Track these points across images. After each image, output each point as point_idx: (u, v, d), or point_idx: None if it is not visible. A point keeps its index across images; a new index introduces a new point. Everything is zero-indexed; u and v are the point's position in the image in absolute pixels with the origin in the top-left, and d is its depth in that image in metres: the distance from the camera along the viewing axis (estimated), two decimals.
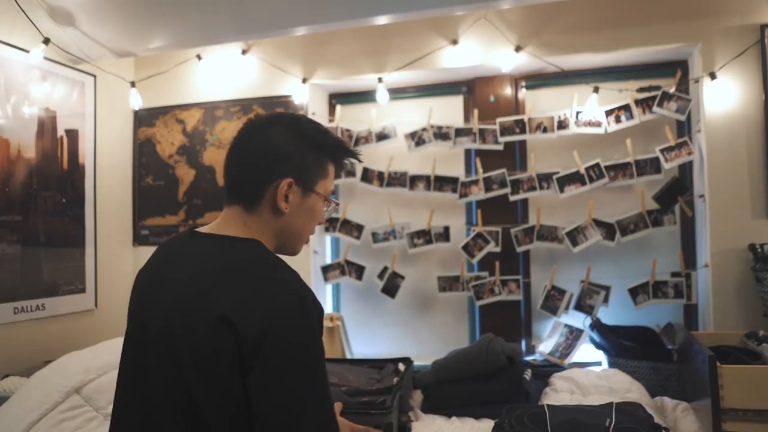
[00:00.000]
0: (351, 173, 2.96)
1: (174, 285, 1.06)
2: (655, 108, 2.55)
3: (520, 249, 2.71)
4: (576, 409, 1.59)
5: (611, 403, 1.60)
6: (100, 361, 2.15)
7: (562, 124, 2.69)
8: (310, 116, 2.93)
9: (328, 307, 3.12)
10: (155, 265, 1.19)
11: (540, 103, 2.84)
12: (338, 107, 3.07)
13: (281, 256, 1.11)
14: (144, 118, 3.27)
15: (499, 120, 2.76)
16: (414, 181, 2.86)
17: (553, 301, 2.65)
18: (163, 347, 1.01)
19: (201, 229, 1.14)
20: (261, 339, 0.92)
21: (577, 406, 1.69)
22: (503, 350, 1.95)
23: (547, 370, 2.45)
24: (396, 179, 2.88)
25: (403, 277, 2.85)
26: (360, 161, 1.25)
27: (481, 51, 2.73)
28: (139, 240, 3.26)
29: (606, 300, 2.60)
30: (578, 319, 2.61)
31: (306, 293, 0.99)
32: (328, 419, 0.97)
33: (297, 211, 1.12)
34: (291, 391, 0.93)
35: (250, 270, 1.02)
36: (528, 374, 2.03)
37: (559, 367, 2.49)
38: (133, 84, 3.12)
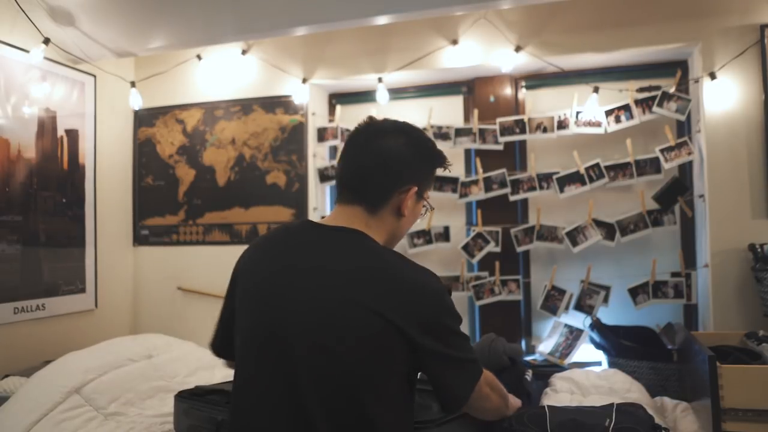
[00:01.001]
0: None
1: (322, 275, 1.13)
2: (655, 108, 2.55)
3: (520, 249, 2.71)
4: (576, 410, 1.59)
5: (612, 404, 1.60)
6: (100, 361, 2.15)
7: (562, 124, 2.69)
8: (310, 116, 2.97)
9: None
10: (279, 254, 1.21)
11: (540, 103, 2.84)
12: (338, 107, 3.07)
13: None
14: (144, 118, 3.27)
15: (499, 120, 2.76)
16: None
17: (553, 301, 2.65)
18: (314, 335, 1.09)
19: (325, 222, 1.23)
20: (424, 328, 1.11)
21: (578, 406, 1.69)
22: (505, 350, 1.95)
23: (547, 370, 2.45)
24: None
25: None
26: (449, 170, 1.36)
27: (481, 51, 2.73)
28: (139, 240, 3.26)
29: (606, 300, 2.60)
30: (578, 319, 2.61)
31: (441, 288, 1.18)
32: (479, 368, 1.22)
33: (411, 215, 1.25)
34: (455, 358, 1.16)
35: (398, 271, 1.14)
36: (529, 375, 2.03)
37: (559, 367, 2.48)
38: (133, 84, 3.12)
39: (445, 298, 1.17)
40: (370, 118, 1.30)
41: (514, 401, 1.52)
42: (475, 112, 2.82)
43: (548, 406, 1.55)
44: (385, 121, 1.30)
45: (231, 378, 1.63)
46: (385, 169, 1.19)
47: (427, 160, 1.26)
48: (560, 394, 2.05)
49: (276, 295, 1.15)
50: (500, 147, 2.77)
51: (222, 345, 1.31)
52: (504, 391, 1.39)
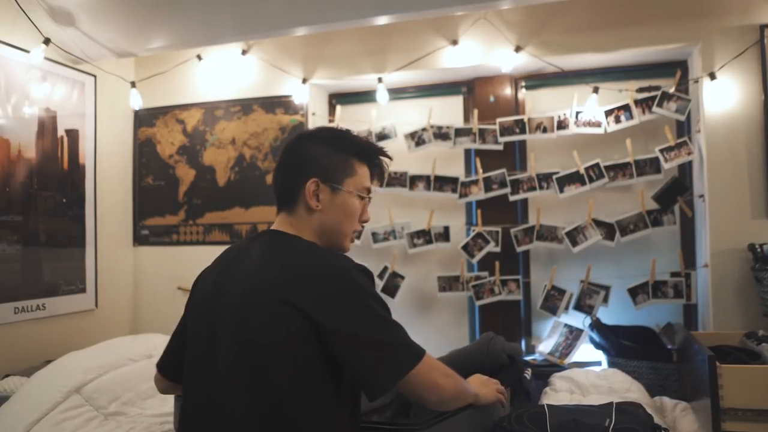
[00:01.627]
0: None
1: (240, 277, 1.20)
2: (654, 108, 2.55)
3: (520, 249, 2.72)
4: (576, 409, 1.59)
5: (611, 403, 1.60)
6: (100, 361, 2.15)
7: (562, 124, 2.69)
8: (310, 116, 2.97)
9: None
10: (217, 268, 1.36)
11: (540, 103, 2.84)
12: (338, 107, 3.07)
13: None
14: (144, 118, 3.28)
15: (498, 120, 2.77)
16: (414, 181, 2.86)
17: (552, 301, 2.65)
18: (232, 330, 1.13)
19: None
20: (326, 316, 1.08)
21: (577, 406, 1.69)
22: (504, 349, 1.95)
23: (546, 369, 2.45)
24: (396, 179, 2.88)
25: (403, 277, 2.85)
26: (389, 158, 1.38)
27: (481, 51, 2.74)
28: (139, 240, 3.26)
29: (606, 300, 2.60)
30: (578, 319, 2.62)
31: (348, 265, 1.14)
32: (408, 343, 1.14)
33: (329, 208, 1.24)
34: (368, 342, 1.10)
35: (303, 256, 1.17)
36: (528, 373, 2.03)
37: (559, 367, 2.49)
38: (133, 84, 3.13)
39: (352, 275, 1.12)
40: (298, 132, 1.38)
41: (496, 390, 1.44)
42: (475, 112, 2.82)
43: (548, 406, 1.55)
44: (305, 130, 1.38)
45: None
46: (288, 169, 1.27)
47: (333, 151, 1.27)
48: (560, 393, 2.06)
49: (209, 305, 1.23)
50: (500, 147, 2.78)
51: (168, 363, 1.41)
52: (461, 381, 1.28)
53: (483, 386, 1.40)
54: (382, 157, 1.36)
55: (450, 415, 1.31)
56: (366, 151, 1.33)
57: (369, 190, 1.32)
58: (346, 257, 1.18)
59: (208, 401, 1.14)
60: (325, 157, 1.26)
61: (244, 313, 1.12)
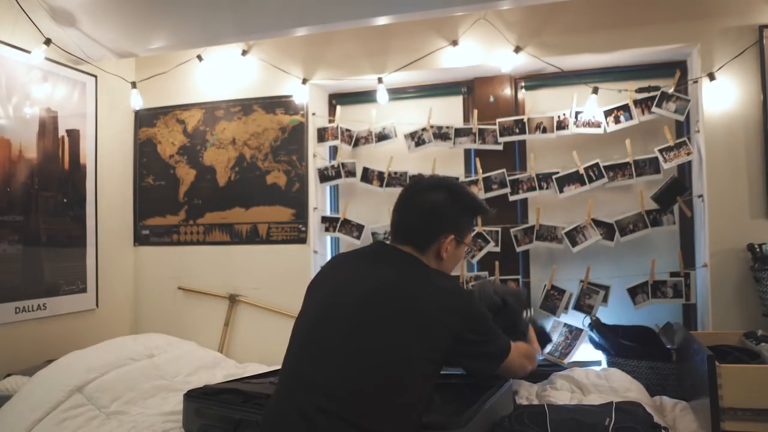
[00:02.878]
0: (351, 173, 2.97)
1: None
2: (654, 108, 2.56)
3: (519, 249, 2.72)
4: (576, 409, 1.59)
5: (611, 403, 1.61)
6: (101, 361, 2.16)
7: (562, 125, 2.70)
8: (310, 117, 2.98)
9: None
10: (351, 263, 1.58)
11: (539, 104, 2.84)
12: (338, 107, 3.08)
13: None
14: (145, 119, 3.28)
15: (498, 120, 2.77)
16: None
17: (552, 301, 2.65)
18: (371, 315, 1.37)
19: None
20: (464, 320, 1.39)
21: (578, 405, 1.70)
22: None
23: (546, 369, 2.45)
24: (396, 179, 2.89)
25: None
26: (487, 216, 1.71)
27: (481, 51, 2.74)
28: (139, 240, 3.27)
29: (605, 300, 2.61)
30: (578, 319, 2.62)
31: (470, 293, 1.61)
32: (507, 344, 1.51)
33: (451, 258, 1.51)
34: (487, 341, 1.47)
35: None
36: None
37: (559, 367, 2.49)
38: (134, 84, 3.13)
39: (474, 299, 1.47)
40: (418, 176, 1.66)
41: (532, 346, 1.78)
42: (475, 112, 2.82)
43: (548, 405, 1.56)
44: (430, 178, 1.64)
45: (235, 377, 1.70)
46: (427, 222, 1.48)
47: (465, 211, 1.53)
48: (560, 392, 2.06)
49: (331, 296, 1.44)
50: (500, 147, 2.78)
51: None
52: (533, 355, 1.69)
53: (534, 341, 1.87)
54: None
55: (473, 415, 1.43)
56: (483, 212, 1.59)
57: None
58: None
59: (319, 365, 1.33)
60: (459, 217, 1.51)
61: (383, 312, 1.34)
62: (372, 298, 1.35)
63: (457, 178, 2.74)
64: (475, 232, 1.54)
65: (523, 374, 1.61)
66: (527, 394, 2.10)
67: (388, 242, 1.54)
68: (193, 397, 1.75)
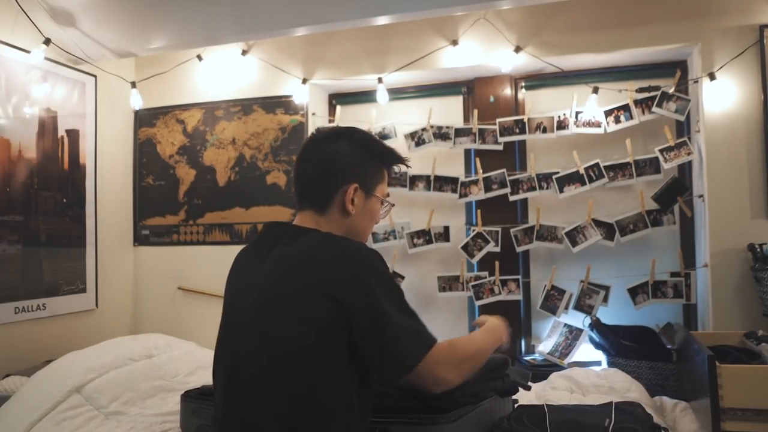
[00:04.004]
0: None
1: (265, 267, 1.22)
2: (654, 108, 2.56)
3: (519, 249, 2.72)
4: (575, 409, 1.59)
5: (611, 403, 1.60)
6: (100, 361, 2.16)
7: (562, 125, 2.70)
8: (310, 116, 2.98)
9: None
10: (245, 257, 1.35)
11: (539, 104, 2.84)
12: (338, 107, 3.07)
13: None
14: (144, 119, 3.28)
15: (498, 120, 2.77)
16: (414, 181, 2.86)
17: (552, 301, 2.65)
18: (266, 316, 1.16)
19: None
20: (350, 297, 1.11)
21: (577, 405, 1.69)
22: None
23: (546, 369, 2.45)
24: (396, 179, 2.88)
25: (403, 277, 2.85)
26: (408, 166, 1.40)
27: (481, 51, 2.74)
28: (139, 240, 3.27)
29: (605, 300, 2.60)
30: (578, 319, 2.62)
31: (368, 251, 1.18)
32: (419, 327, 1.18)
33: (360, 212, 1.29)
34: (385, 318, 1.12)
35: (321, 243, 1.20)
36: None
37: (559, 367, 2.49)
38: (133, 84, 3.13)
39: (374, 263, 1.16)
40: (317, 129, 1.37)
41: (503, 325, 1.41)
42: (475, 112, 2.82)
43: (547, 406, 1.55)
44: (333, 128, 1.37)
45: None
46: (324, 172, 1.27)
47: (369, 158, 1.31)
48: (560, 392, 2.06)
49: (235, 293, 1.27)
50: (500, 147, 2.78)
51: None
52: (478, 355, 1.29)
53: (494, 331, 1.38)
54: (399, 164, 1.39)
55: (463, 414, 1.34)
56: (393, 159, 1.36)
57: (388, 195, 1.38)
58: (361, 243, 1.24)
59: (234, 392, 1.18)
60: (363, 164, 1.29)
61: (276, 308, 1.15)
62: (263, 297, 1.17)
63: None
64: (390, 185, 1.26)
65: (445, 386, 1.18)
66: (526, 394, 2.09)
67: (276, 223, 1.33)
68: (191, 397, 1.75)
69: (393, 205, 1.39)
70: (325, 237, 1.21)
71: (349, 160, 1.28)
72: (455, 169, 2.92)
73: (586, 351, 2.56)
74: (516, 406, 1.61)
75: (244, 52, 3.05)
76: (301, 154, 1.32)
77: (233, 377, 1.18)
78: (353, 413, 1.15)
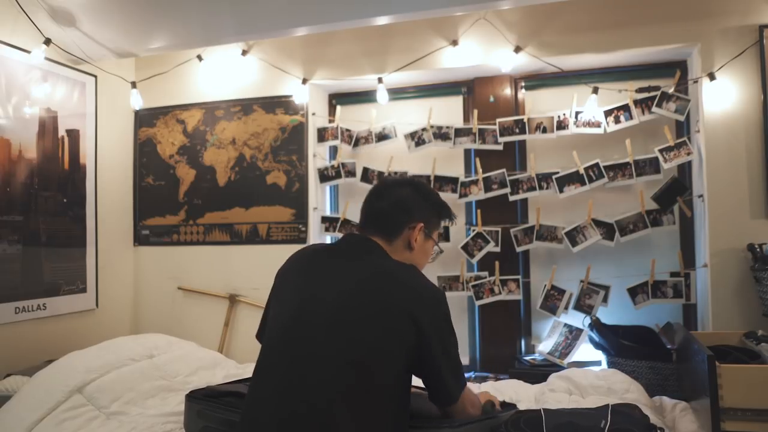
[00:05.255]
0: (351, 173, 2.97)
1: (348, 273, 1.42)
2: (654, 108, 2.56)
3: (519, 249, 2.72)
4: (571, 412, 1.59)
5: (607, 405, 1.60)
6: (101, 361, 2.16)
7: (562, 125, 2.70)
8: (310, 116, 2.98)
9: None
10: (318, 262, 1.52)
11: (539, 104, 2.84)
12: (338, 107, 3.08)
13: None
14: (144, 119, 3.28)
15: (498, 120, 2.77)
16: None
17: (552, 301, 2.65)
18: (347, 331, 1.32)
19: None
20: (429, 326, 1.32)
21: (573, 409, 1.69)
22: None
23: (546, 369, 2.46)
24: None
25: None
26: (453, 223, 1.68)
27: (481, 51, 2.74)
28: (139, 240, 3.27)
29: (605, 300, 2.61)
30: (578, 319, 2.62)
31: (443, 294, 1.41)
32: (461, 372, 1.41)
33: (419, 249, 1.51)
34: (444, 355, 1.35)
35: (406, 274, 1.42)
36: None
37: (559, 367, 2.49)
38: (133, 84, 3.13)
39: (445, 301, 1.38)
40: (389, 175, 1.62)
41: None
42: (475, 112, 2.82)
43: (544, 410, 1.55)
44: (399, 177, 1.59)
45: (235, 378, 1.66)
46: (397, 208, 1.50)
47: (430, 206, 1.55)
48: (558, 393, 2.06)
49: (314, 285, 1.41)
50: (500, 147, 2.78)
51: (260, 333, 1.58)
52: (477, 402, 1.54)
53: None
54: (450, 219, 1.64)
55: (467, 422, 1.41)
56: (447, 214, 1.61)
57: (439, 241, 1.63)
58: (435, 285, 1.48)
59: (301, 378, 1.28)
60: (428, 210, 1.54)
61: (363, 311, 1.31)
62: (348, 297, 1.34)
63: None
64: (441, 235, 1.62)
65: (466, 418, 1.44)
66: (526, 396, 2.10)
67: (356, 233, 1.54)
68: (196, 398, 1.75)
69: (442, 251, 1.66)
70: (411, 267, 1.44)
71: (417, 205, 1.51)
72: (455, 169, 2.92)
73: (585, 351, 2.57)
74: (514, 411, 1.61)
75: (244, 52, 3.05)
76: (374, 190, 1.56)
77: (302, 364, 1.29)
78: (401, 415, 1.34)
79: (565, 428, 1.43)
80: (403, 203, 1.51)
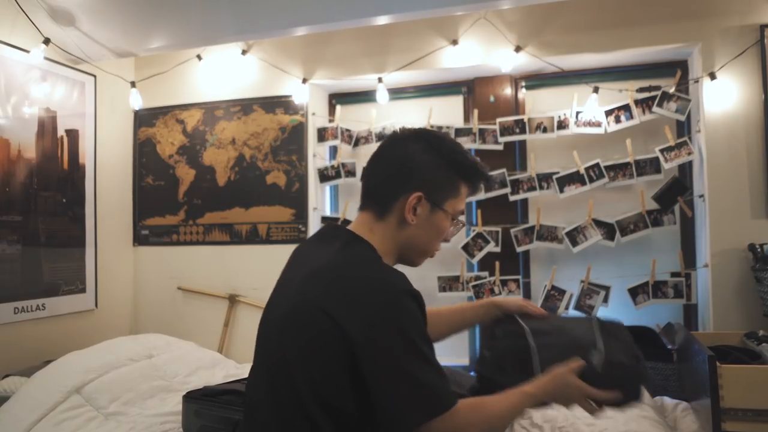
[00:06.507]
0: (351, 173, 2.96)
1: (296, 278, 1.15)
2: (654, 108, 2.55)
3: (519, 249, 2.72)
4: (558, 332, 1.33)
5: (591, 319, 1.39)
6: (100, 361, 2.16)
7: (562, 124, 2.69)
8: (310, 116, 2.97)
9: None
10: (291, 260, 1.30)
11: (540, 103, 2.84)
12: (338, 107, 3.07)
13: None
14: (144, 118, 3.28)
15: (498, 120, 2.77)
16: None
17: (552, 301, 2.65)
18: (275, 336, 1.10)
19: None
20: (364, 334, 1.00)
21: (558, 327, 1.37)
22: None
23: None
24: None
25: None
26: (490, 186, 1.26)
27: (481, 51, 2.73)
28: (139, 240, 3.26)
29: (606, 300, 2.60)
30: None
31: (402, 287, 1.05)
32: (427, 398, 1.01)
33: (423, 224, 1.16)
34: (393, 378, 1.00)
35: (349, 269, 1.09)
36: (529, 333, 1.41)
37: None
38: (133, 84, 3.12)
39: (403, 299, 1.03)
40: (400, 128, 1.24)
41: (577, 391, 1.18)
42: (475, 112, 2.82)
43: (533, 335, 1.29)
44: (418, 129, 1.23)
45: (235, 378, 1.64)
46: (392, 174, 1.16)
47: (444, 168, 1.16)
48: None
49: (271, 300, 1.22)
50: (500, 147, 2.77)
51: None
52: (506, 416, 1.11)
53: (551, 384, 1.17)
54: (482, 183, 1.26)
55: None
56: (475, 175, 1.21)
57: (463, 213, 1.23)
58: (403, 277, 1.08)
59: (251, 403, 1.17)
60: (434, 172, 1.16)
61: (285, 317, 1.09)
62: (286, 301, 1.12)
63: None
64: (466, 201, 1.17)
65: None
66: None
67: (337, 224, 1.26)
68: (193, 398, 1.75)
69: (464, 224, 1.26)
70: (365, 259, 1.11)
71: (420, 167, 1.15)
72: None
73: None
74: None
75: (243, 52, 3.05)
76: (376, 151, 1.22)
77: (257, 374, 1.16)
78: None
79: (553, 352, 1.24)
80: (402, 165, 1.15)
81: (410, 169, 1.15)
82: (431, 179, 1.15)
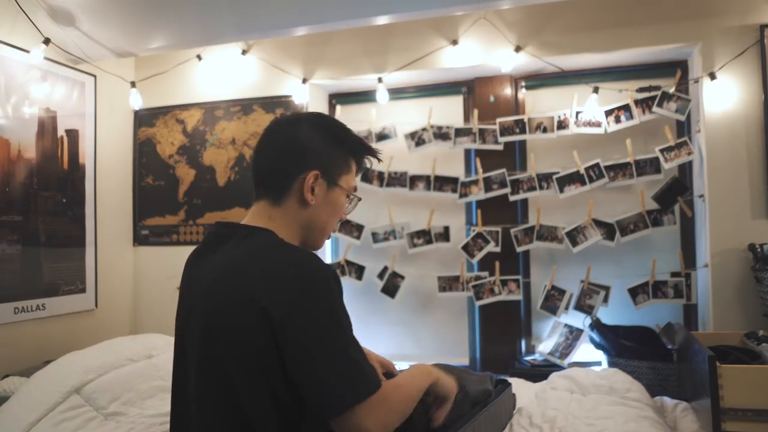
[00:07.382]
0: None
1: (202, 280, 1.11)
2: (654, 108, 2.55)
3: (520, 249, 2.71)
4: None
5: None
6: (100, 361, 2.15)
7: (562, 124, 2.69)
8: None
9: None
10: (192, 262, 1.22)
11: (540, 103, 2.84)
12: (338, 107, 3.07)
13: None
14: (144, 118, 3.28)
15: (498, 120, 2.77)
16: (414, 181, 2.86)
17: (552, 301, 2.65)
18: (198, 333, 1.06)
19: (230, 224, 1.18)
20: (286, 315, 0.97)
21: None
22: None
23: (547, 370, 2.45)
24: (396, 179, 2.88)
25: (402, 277, 2.85)
26: (379, 159, 1.29)
27: (481, 51, 2.74)
28: (139, 240, 3.26)
29: (606, 300, 2.60)
30: (578, 319, 2.62)
31: (322, 267, 1.03)
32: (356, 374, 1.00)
33: (322, 204, 1.16)
34: (316, 355, 0.98)
35: (267, 252, 1.07)
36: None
37: (559, 367, 2.49)
38: (133, 84, 3.13)
39: (329, 280, 1.02)
40: (282, 114, 1.25)
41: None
42: (475, 112, 2.82)
43: None
44: (296, 113, 1.24)
45: None
46: (282, 157, 1.15)
47: (334, 145, 1.18)
48: (560, 392, 2.05)
49: (184, 299, 1.17)
50: (500, 147, 2.77)
51: None
52: (411, 398, 1.13)
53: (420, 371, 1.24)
54: (370, 158, 1.27)
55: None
56: (362, 149, 1.24)
57: (356, 189, 1.25)
58: (318, 257, 1.07)
59: (183, 414, 1.12)
60: (326, 150, 1.16)
61: (212, 322, 1.05)
62: (206, 307, 1.07)
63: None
64: (357, 176, 1.23)
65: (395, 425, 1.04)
66: (527, 393, 2.09)
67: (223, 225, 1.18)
68: None
69: (360, 199, 1.27)
70: (275, 243, 1.08)
71: (311, 145, 1.15)
72: (455, 169, 2.92)
73: (586, 351, 2.56)
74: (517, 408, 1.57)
75: (243, 52, 3.05)
76: (261, 139, 1.19)
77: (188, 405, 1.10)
78: None
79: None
80: (291, 147, 1.15)
81: (303, 148, 1.15)
82: (325, 156, 1.16)
